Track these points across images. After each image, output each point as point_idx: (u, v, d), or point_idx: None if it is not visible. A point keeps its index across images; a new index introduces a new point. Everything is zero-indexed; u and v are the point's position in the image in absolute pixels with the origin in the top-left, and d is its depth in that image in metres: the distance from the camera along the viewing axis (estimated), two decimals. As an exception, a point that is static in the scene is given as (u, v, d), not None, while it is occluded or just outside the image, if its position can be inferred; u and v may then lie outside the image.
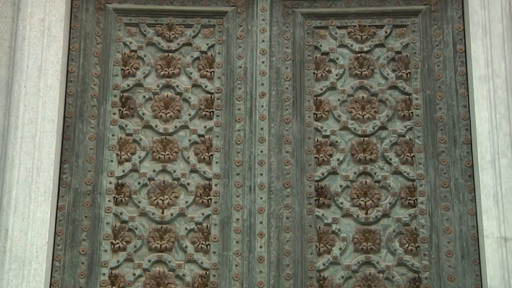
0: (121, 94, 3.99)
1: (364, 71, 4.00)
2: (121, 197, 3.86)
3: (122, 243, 3.80)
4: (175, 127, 3.95)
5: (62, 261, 3.75)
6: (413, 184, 3.83)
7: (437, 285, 3.69)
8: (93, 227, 3.80)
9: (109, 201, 3.83)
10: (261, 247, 3.75)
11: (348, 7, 4.06)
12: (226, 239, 3.78)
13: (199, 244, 3.79)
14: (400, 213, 3.81)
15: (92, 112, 3.93)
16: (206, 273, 3.75)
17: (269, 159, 3.86)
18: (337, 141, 3.91)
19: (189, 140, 3.93)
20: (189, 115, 3.96)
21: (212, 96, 3.98)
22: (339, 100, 3.97)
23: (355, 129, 3.92)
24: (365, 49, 4.02)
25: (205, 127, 3.94)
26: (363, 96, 3.97)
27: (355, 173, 3.87)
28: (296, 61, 3.99)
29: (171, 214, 3.83)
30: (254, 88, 3.95)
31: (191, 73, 4.02)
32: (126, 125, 3.95)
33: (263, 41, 4.00)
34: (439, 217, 3.76)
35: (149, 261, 3.78)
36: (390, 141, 3.89)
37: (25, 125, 3.77)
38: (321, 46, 4.03)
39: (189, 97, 3.99)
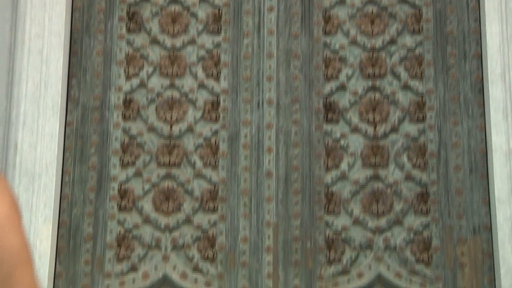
0: (128, 9, 3.94)
1: (374, -15, 3.94)
2: (129, 112, 3.85)
3: (130, 158, 3.81)
4: (183, 42, 3.91)
5: (72, 175, 3.77)
6: (422, 99, 3.80)
7: (444, 199, 3.69)
8: (101, 143, 3.80)
9: (117, 116, 3.83)
10: (269, 162, 3.75)
11: None
12: (234, 155, 3.78)
13: (208, 159, 3.80)
14: (409, 128, 3.79)
15: (99, 27, 3.89)
16: (214, 188, 3.77)
17: (277, 74, 3.83)
18: (346, 56, 3.87)
19: (197, 56, 3.89)
20: (197, 30, 3.92)
21: (220, 10, 3.93)
22: (348, 14, 3.91)
23: (364, 43, 3.88)
24: (375, -38, 3.96)
25: (212, 42, 3.90)
26: (372, 10, 3.91)
27: (363, 88, 3.84)
28: (304, -25, 3.93)
29: (180, 130, 3.82)
30: (262, 3, 3.89)
31: (198, -12, 3.97)
32: (133, 40, 3.91)
33: (271, -46, 3.94)
34: (448, 132, 3.75)
35: (158, 176, 3.79)
36: (400, 56, 3.85)
37: (32, 40, 3.73)
38: (330, -41, 3.97)
39: (197, 11, 3.94)
